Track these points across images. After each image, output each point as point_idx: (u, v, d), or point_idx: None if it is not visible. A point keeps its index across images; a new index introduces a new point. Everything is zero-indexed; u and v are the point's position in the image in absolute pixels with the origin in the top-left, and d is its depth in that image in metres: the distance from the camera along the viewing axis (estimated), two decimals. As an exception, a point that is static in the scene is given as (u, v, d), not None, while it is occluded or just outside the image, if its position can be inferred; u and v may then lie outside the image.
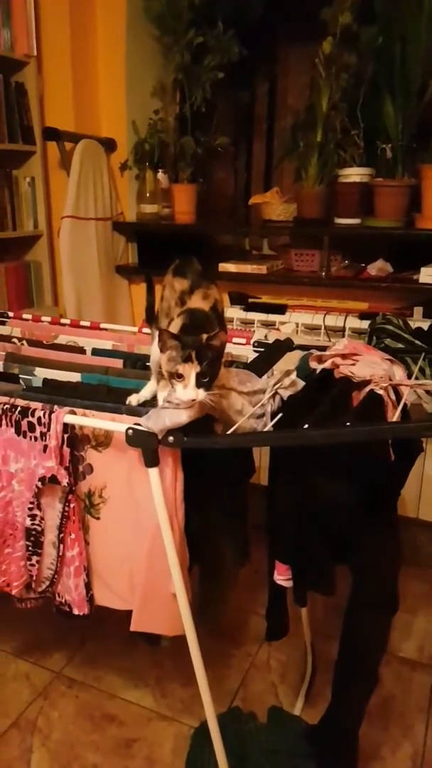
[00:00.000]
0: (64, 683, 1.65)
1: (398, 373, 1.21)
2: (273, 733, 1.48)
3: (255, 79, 2.97)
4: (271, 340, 1.53)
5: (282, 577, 1.11)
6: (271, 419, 1.13)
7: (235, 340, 1.53)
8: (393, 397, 1.16)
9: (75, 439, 1.11)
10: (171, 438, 0.98)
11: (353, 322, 2.17)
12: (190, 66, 2.39)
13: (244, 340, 1.54)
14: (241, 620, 1.86)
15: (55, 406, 1.08)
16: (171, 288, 1.10)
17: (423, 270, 2.09)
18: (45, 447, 1.08)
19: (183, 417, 0.98)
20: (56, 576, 1.18)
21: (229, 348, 1.48)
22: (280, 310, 2.31)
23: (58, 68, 2.42)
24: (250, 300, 2.40)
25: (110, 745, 1.48)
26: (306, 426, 0.93)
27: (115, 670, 1.70)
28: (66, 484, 1.10)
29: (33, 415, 1.08)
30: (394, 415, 1.08)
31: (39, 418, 1.08)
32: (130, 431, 1.00)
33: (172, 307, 1.09)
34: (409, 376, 1.33)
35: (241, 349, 1.52)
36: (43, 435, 1.08)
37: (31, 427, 1.09)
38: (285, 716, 1.54)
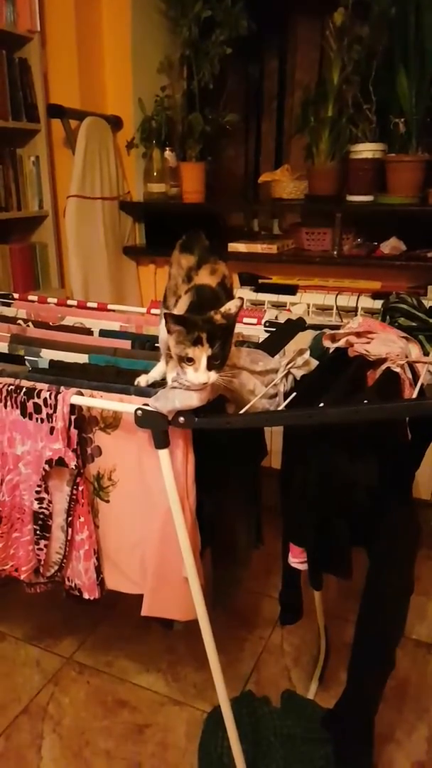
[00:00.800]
0: (75, 669, 1.64)
1: (414, 350, 1.17)
2: (287, 717, 1.46)
3: (264, 55, 2.88)
4: (282, 321, 1.50)
5: (297, 560, 1.08)
6: (284, 399, 1.09)
7: (245, 320, 1.49)
8: (410, 375, 1.13)
9: (83, 420, 1.08)
10: (182, 418, 0.95)
11: (366, 302, 2.12)
12: (198, 41, 2.33)
13: (255, 320, 1.50)
14: (254, 603, 1.85)
15: (62, 387, 1.05)
16: (178, 265, 1.07)
17: (437, 247, 2.03)
18: (52, 429, 1.06)
19: (194, 400, 0.95)
20: (65, 560, 1.15)
21: (240, 328, 1.45)
22: (291, 290, 2.26)
23: (62, 44, 2.36)
24: (261, 281, 2.36)
25: (122, 731, 1.47)
26: (321, 404, 0.90)
27: (127, 655, 1.68)
28: (74, 467, 1.07)
29: (39, 396, 1.05)
30: (413, 394, 1.04)
31: (45, 399, 1.05)
32: (139, 412, 0.97)
33: (179, 284, 1.05)
34: (425, 355, 1.29)
35: (252, 329, 1.48)
36: (49, 416, 1.05)
37: (37, 409, 1.06)
38: (299, 700, 1.52)
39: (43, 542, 1.14)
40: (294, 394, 1.07)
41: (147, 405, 0.97)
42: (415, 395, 1.02)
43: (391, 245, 2.20)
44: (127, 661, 1.66)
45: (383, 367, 1.09)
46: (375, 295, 2.12)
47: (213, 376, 0.93)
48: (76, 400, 1.04)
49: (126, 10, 2.37)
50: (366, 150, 2.14)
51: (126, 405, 1.00)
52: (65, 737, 1.45)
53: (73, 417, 1.05)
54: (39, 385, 1.07)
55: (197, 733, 1.44)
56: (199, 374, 0.92)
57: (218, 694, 1.16)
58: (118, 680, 1.61)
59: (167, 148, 2.47)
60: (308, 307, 2.19)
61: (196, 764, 1.38)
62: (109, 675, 1.62)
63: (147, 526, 1.09)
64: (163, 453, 0.99)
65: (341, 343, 1.21)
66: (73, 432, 1.06)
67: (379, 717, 1.31)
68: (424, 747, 1.43)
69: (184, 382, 0.94)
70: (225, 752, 1.31)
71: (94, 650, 1.70)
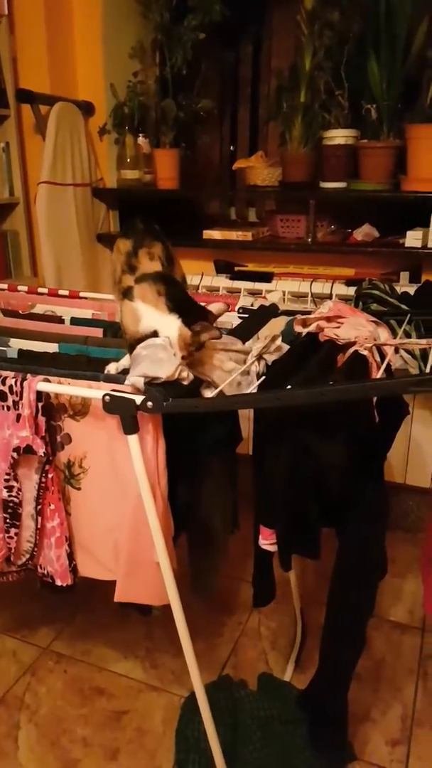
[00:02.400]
0: (52, 658, 1.64)
1: (383, 334, 1.18)
2: (263, 699, 1.47)
3: (240, 41, 2.86)
4: (256, 307, 1.50)
5: (267, 541, 1.09)
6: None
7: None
8: (378, 358, 1.14)
9: (51, 408, 1.07)
10: (150, 403, 0.95)
11: (340, 289, 2.13)
12: (171, 26, 2.30)
13: (228, 307, 1.49)
14: (232, 589, 1.86)
15: (28, 375, 1.04)
16: (117, 250, 1.11)
17: (409, 234, 2.04)
18: (18, 416, 1.05)
19: (162, 370, 0.96)
20: (36, 548, 1.15)
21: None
22: (267, 278, 2.26)
23: (31, 27, 2.31)
24: (236, 268, 2.35)
25: (100, 718, 1.47)
26: (289, 387, 0.90)
27: (105, 643, 1.69)
28: (42, 454, 1.06)
29: (4, 384, 1.04)
30: (378, 375, 1.05)
31: (11, 387, 1.03)
32: (107, 398, 0.97)
33: (118, 271, 1.09)
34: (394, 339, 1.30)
35: (225, 315, 1.47)
36: (15, 404, 1.04)
37: (3, 396, 1.05)
38: (275, 683, 1.54)
39: (13, 530, 1.13)
40: (264, 377, 1.08)
41: (116, 390, 0.97)
42: (379, 374, 1.03)
43: (364, 232, 2.21)
44: (104, 649, 1.66)
45: (351, 350, 1.10)
46: (349, 282, 2.13)
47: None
48: (43, 386, 1.03)
49: (97, -7, 2.34)
50: (338, 136, 2.13)
51: (94, 391, 1.00)
52: (42, 726, 1.45)
53: (40, 404, 1.04)
54: (4, 373, 1.05)
55: (175, 718, 1.45)
56: None
57: (192, 678, 1.17)
58: (96, 668, 1.61)
59: (140, 135, 2.44)
60: (284, 294, 2.19)
61: (173, 749, 1.39)
62: (87, 663, 1.62)
63: (119, 513, 1.09)
64: (133, 438, 0.99)
65: (312, 327, 1.22)
66: (41, 419, 1.05)
67: (355, 697, 1.34)
68: (398, 725, 1.46)
69: None
70: (202, 736, 1.32)
71: (72, 639, 1.70)
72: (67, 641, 1.69)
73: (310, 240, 2.27)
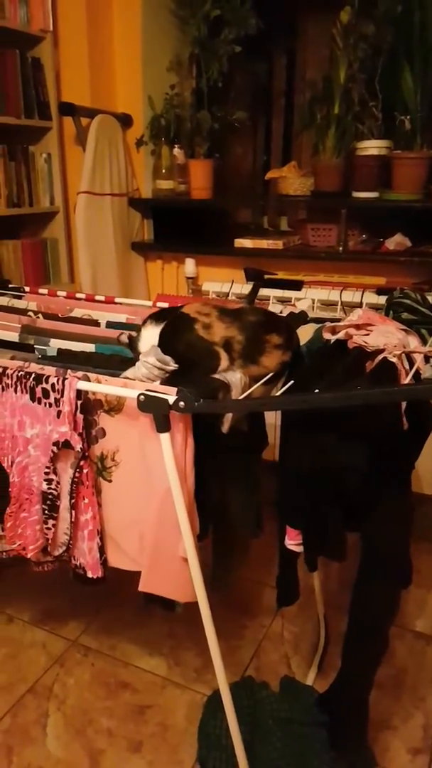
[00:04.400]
0: (80, 651, 1.69)
1: (413, 342, 1.20)
2: (285, 701, 1.49)
3: (273, 53, 2.92)
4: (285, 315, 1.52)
5: (293, 542, 1.11)
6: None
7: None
8: (407, 366, 1.15)
9: (88, 403, 1.12)
10: (182, 403, 0.99)
11: (370, 297, 2.14)
12: (207, 39, 2.36)
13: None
14: (256, 592, 1.88)
15: (69, 372, 1.09)
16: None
17: (442, 244, 2.05)
18: (59, 413, 1.10)
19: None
20: (72, 540, 1.19)
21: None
22: (297, 286, 2.29)
23: (74, 43, 2.40)
24: (266, 276, 2.39)
25: (124, 711, 1.51)
26: (317, 390, 0.93)
27: (130, 639, 1.72)
28: (79, 450, 1.11)
29: (47, 382, 1.09)
30: (406, 382, 1.07)
31: (53, 385, 1.09)
32: (142, 397, 1.01)
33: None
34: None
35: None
36: (57, 401, 1.09)
37: (46, 394, 1.10)
38: (297, 686, 1.55)
39: (51, 522, 1.18)
40: (291, 381, 1.11)
41: (150, 390, 1.01)
42: (407, 381, 1.05)
43: (396, 241, 2.23)
44: (130, 645, 1.70)
45: (380, 357, 1.12)
46: (380, 291, 2.14)
47: None
48: (82, 385, 1.08)
49: (136, 10, 2.41)
50: (371, 147, 2.16)
51: (129, 390, 1.04)
52: (69, 716, 1.49)
53: (79, 402, 1.09)
54: (47, 371, 1.11)
55: (197, 715, 1.47)
56: None
57: (217, 676, 1.20)
58: (121, 663, 1.65)
59: (176, 146, 2.51)
60: (313, 303, 2.22)
61: (196, 745, 1.41)
62: (113, 658, 1.67)
63: (146, 506, 1.13)
64: (164, 437, 1.03)
65: (341, 335, 1.24)
66: (79, 417, 1.10)
67: (377, 704, 1.34)
68: (419, 734, 1.46)
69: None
70: (224, 734, 1.35)
71: (99, 634, 1.74)
72: (94, 635, 1.74)
73: (341, 249, 2.29)
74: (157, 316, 1.14)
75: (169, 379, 1.07)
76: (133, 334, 1.16)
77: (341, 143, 2.19)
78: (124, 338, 1.18)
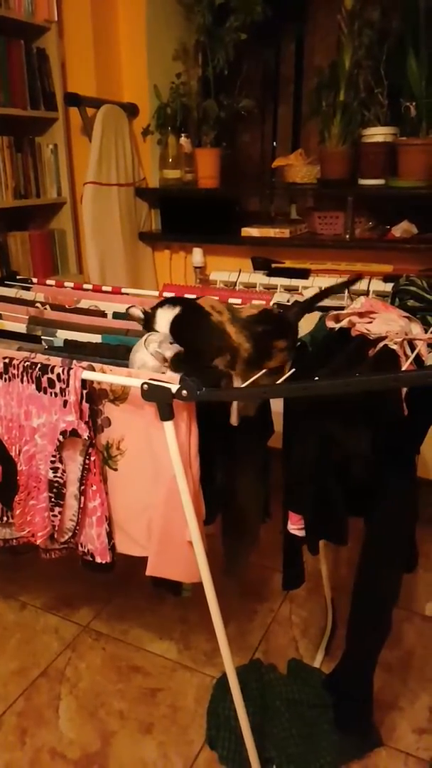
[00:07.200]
0: (92, 636, 1.72)
1: (415, 329, 1.21)
2: (292, 683, 1.52)
3: (280, 40, 2.89)
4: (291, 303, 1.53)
5: (295, 526, 1.13)
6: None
7: (254, 302, 1.53)
8: (409, 352, 1.16)
9: (93, 393, 1.14)
10: (184, 392, 1.00)
11: (377, 285, 2.14)
12: (213, 27, 2.35)
13: (263, 302, 1.54)
14: (265, 577, 1.91)
15: (74, 362, 1.11)
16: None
17: (449, 230, 2.04)
18: (65, 402, 1.12)
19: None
20: (78, 527, 1.22)
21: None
22: (304, 274, 2.29)
23: (79, 33, 2.41)
24: (274, 265, 2.39)
25: (135, 694, 1.54)
26: (317, 378, 0.94)
27: (141, 624, 1.76)
28: (86, 437, 1.14)
29: (53, 372, 1.12)
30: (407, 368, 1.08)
31: (58, 375, 1.11)
32: (146, 386, 1.03)
33: None
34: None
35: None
36: (62, 390, 1.11)
37: (51, 384, 1.12)
38: (304, 668, 1.58)
39: (57, 509, 1.20)
40: (293, 369, 1.12)
41: (153, 379, 1.03)
42: (405, 367, 1.06)
43: (402, 228, 2.22)
44: (141, 630, 1.74)
45: (381, 344, 1.13)
46: (387, 278, 2.14)
47: None
48: (87, 375, 1.10)
49: (141, -2, 2.41)
50: (377, 134, 2.15)
51: (133, 380, 1.06)
52: (81, 698, 1.53)
53: (84, 391, 1.11)
54: (53, 361, 1.13)
55: (206, 698, 1.50)
56: None
57: (223, 657, 1.22)
58: (133, 647, 1.68)
59: (182, 135, 2.51)
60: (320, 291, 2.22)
61: (205, 726, 1.45)
62: (124, 642, 1.70)
63: (153, 493, 1.15)
64: (168, 425, 1.05)
65: (344, 323, 1.25)
66: (85, 405, 1.12)
67: (384, 686, 1.36)
68: (426, 715, 1.48)
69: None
70: (232, 715, 1.38)
71: (110, 620, 1.78)
72: (105, 621, 1.77)
73: (348, 236, 2.29)
74: (173, 301, 1.15)
75: (174, 367, 1.08)
76: (148, 309, 1.17)
77: (347, 130, 2.17)
78: (135, 311, 1.16)
